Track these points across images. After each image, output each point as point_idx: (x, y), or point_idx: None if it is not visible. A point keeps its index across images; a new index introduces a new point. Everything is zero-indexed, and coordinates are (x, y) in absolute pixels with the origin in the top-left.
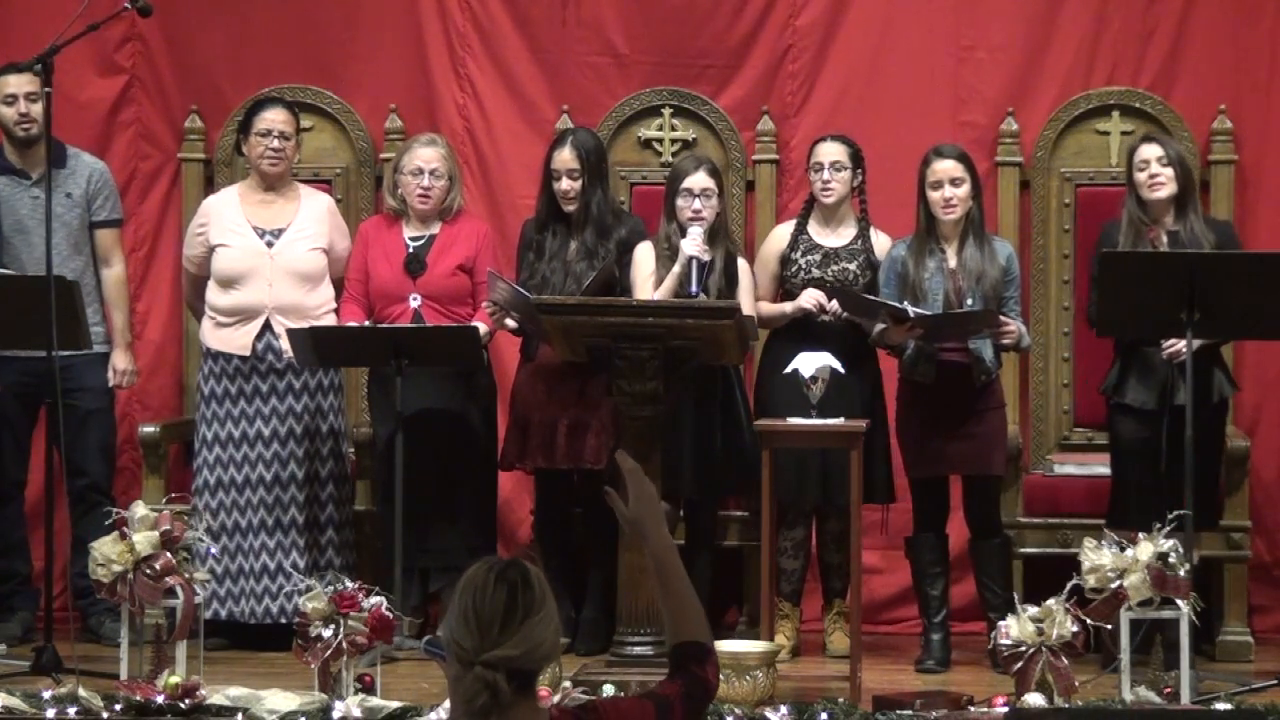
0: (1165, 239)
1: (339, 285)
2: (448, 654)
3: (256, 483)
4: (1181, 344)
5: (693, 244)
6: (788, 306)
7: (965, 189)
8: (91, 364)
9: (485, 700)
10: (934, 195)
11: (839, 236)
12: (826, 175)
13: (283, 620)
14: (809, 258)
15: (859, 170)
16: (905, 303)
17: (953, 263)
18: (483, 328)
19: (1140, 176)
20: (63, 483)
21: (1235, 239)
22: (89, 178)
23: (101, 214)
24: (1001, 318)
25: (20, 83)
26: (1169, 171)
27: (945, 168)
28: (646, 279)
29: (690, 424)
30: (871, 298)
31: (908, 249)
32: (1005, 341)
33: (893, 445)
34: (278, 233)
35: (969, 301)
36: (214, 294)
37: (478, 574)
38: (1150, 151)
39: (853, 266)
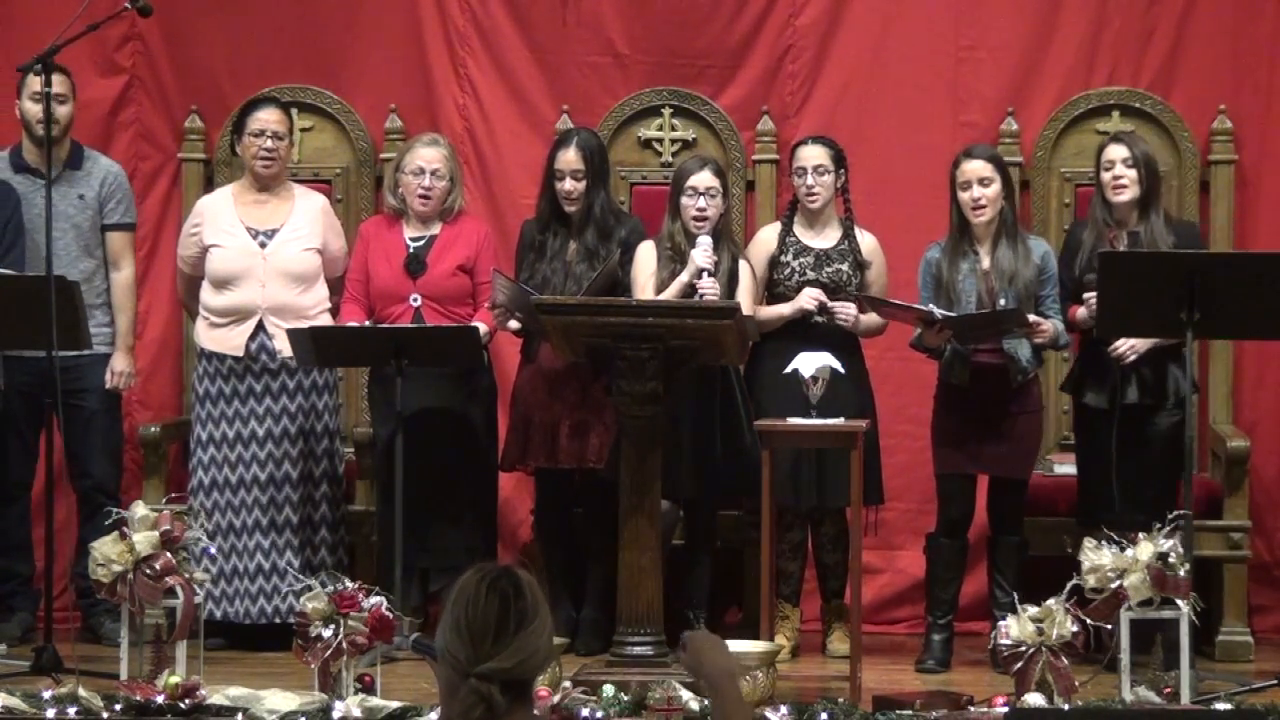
0: (1125, 240)
1: (334, 285)
2: (442, 661)
3: (251, 483)
4: (1124, 345)
5: (704, 255)
6: (785, 308)
7: (994, 189)
8: (98, 365)
9: (481, 713)
10: (964, 196)
11: (824, 238)
12: (810, 180)
13: (277, 620)
14: (801, 260)
15: (842, 171)
16: (931, 304)
17: (985, 264)
18: (483, 328)
19: (1105, 177)
20: (65, 483)
21: (1198, 240)
22: (103, 180)
23: (114, 217)
24: (1031, 317)
25: (52, 82)
26: (1133, 174)
27: (974, 168)
28: (648, 279)
29: (690, 424)
30: (898, 301)
31: (942, 251)
32: (1039, 340)
33: (883, 447)
34: (271, 233)
35: (1002, 302)
36: (208, 294)
37: (469, 583)
38: (1116, 152)
39: (844, 267)
